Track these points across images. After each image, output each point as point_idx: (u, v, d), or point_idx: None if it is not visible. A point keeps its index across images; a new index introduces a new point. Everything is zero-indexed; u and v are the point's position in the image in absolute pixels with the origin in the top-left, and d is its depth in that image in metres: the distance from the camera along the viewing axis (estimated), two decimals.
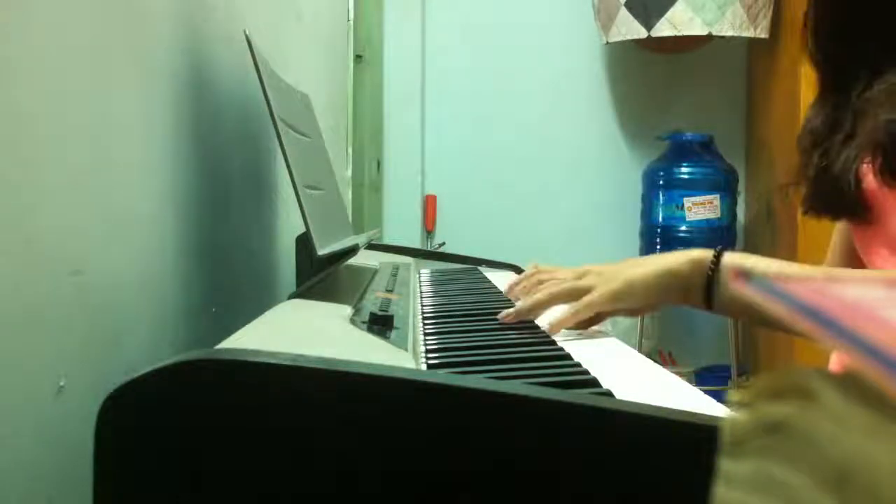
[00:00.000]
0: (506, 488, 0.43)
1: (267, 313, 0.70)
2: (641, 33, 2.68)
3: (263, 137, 1.19)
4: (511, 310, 0.88)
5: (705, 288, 0.81)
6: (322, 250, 0.82)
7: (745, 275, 0.21)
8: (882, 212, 0.74)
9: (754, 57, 2.95)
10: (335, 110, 2.25)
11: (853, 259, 0.86)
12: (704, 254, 0.82)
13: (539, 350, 0.75)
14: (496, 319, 0.89)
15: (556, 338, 0.81)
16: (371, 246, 1.53)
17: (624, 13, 2.70)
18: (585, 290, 0.83)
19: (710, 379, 2.77)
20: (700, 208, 2.75)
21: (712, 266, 0.80)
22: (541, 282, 0.92)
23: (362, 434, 0.43)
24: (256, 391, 0.43)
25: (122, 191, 0.71)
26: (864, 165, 0.73)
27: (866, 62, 0.76)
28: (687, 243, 2.77)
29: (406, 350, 0.67)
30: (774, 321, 0.86)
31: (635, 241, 2.94)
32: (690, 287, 0.81)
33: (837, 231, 0.91)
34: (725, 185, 2.78)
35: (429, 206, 3.09)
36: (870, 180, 0.72)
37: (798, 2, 2.40)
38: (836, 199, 0.77)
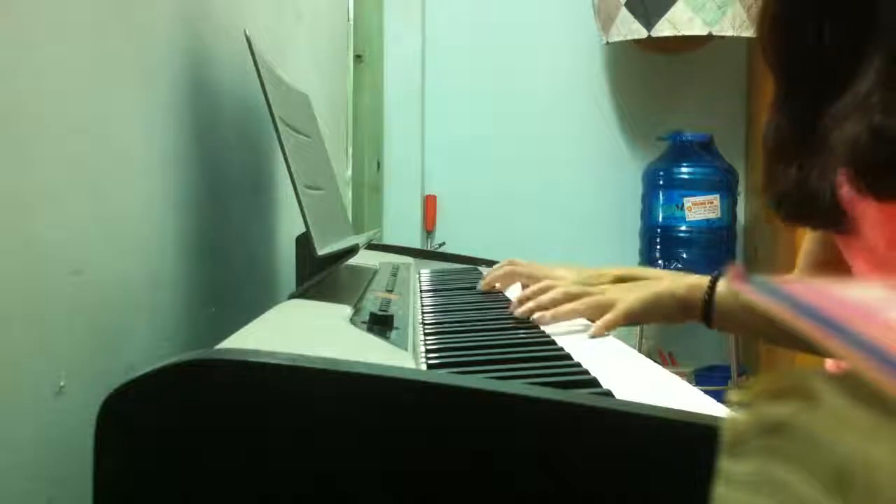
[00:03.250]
0: (506, 488, 0.43)
1: (267, 313, 0.70)
2: (641, 33, 2.68)
3: (263, 137, 1.19)
4: (526, 307, 0.89)
5: (704, 308, 0.89)
6: (322, 250, 0.82)
7: (745, 276, 0.21)
8: (858, 221, 0.73)
9: (754, 57, 2.95)
10: (335, 110, 2.24)
11: (828, 266, 0.86)
12: (701, 280, 0.90)
13: (539, 350, 0.75)
14: (496, 319, 0.89)
15: (555, 338, 0.81)
16: (371, 246, 1.53)
17: (624, 13, 2.70)
18: (610, 306, 0.87)
19: (710, 379, 2.77)
20: (700, 208, 2.75)
21: (709, 290, 0.89)
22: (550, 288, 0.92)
23: (362, 434, 0.43)
24: (256, 391, 0.43)
25: (122, 191, 0.71)
26: (840, 176, 0.73)
27: (826, 64, 0.74)
28: (687, 243, 2.77)
29: (406, 350, 0.67)
30: (772, 335, 0.93)
31: (635, 241, 2.94)
32: (691, 308, 0.90)
33: (810, 239, 0.90)
34: (725, 185, 2.78)
35: (429, 206, 3.09)
36: (846, 189, 0.72)
37: None
38: (815, 210, 0.76)
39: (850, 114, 0.67)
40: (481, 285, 1.12)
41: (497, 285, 1.11)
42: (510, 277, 1.10)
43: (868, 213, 0.70)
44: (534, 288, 0.92)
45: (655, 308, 0.89)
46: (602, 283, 0.97)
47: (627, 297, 0.87)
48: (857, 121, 0.66)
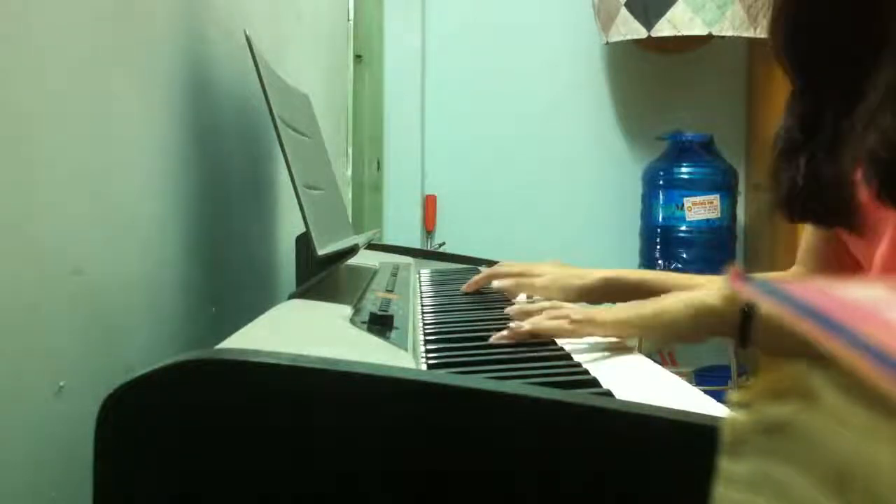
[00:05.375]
0: (506, 488, 0.43)
1: (267, 313, 0.70)
2: (641, 33, 2.67)
3: (263, 137, 1.19)
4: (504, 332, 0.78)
5: (740, 325, 0.73)
6: (322, 250, 0.82)
7: (745, 276, 0.21)
8: (875, 229, 0.70)
9: (754, 57, 2.95)
10: (335, 110, 2.24)
11: (829, 263, 0.84)
12: (709, 297, 0.76)
13: (539, 350, 0.75)
14: (496, 319, 0.89)
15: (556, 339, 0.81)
16: (371, 246, 1.53)
17: (624, 13, 2.70)
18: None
19: (710, 379, 2.77)
20: (700, 208, 2.75)
21: (747, 305, 0.72)
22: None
23: (362, 434, 0.43)
24: (256, 391, 0.43)
25: (122, 191, 0.71)
26: (856, 177, 0.71)
27: (840, 58, 0.73)
28: (687, 243, 2.77)
29: (406, 350, 0.67)
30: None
31: (635, 241, 2.94)
32: (724, 325, 0.75)
33: (812, 233, 0.88)
34: (725, 185, 2.78)
35: (429, 206, 3.09)
36: (863, 192, 0.69)
37: None
38: (829, 209, 0.74)
39: (886, 108, 0.65)
40: (464, 288, 1.10)
41: (504, 290, 1.09)
42: (492, 278, 1.07)
43: (887, 222, 0.68)
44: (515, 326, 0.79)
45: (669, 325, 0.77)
46: (587, 283, 0.94)
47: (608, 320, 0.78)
48: (872, 131, 0.64)
